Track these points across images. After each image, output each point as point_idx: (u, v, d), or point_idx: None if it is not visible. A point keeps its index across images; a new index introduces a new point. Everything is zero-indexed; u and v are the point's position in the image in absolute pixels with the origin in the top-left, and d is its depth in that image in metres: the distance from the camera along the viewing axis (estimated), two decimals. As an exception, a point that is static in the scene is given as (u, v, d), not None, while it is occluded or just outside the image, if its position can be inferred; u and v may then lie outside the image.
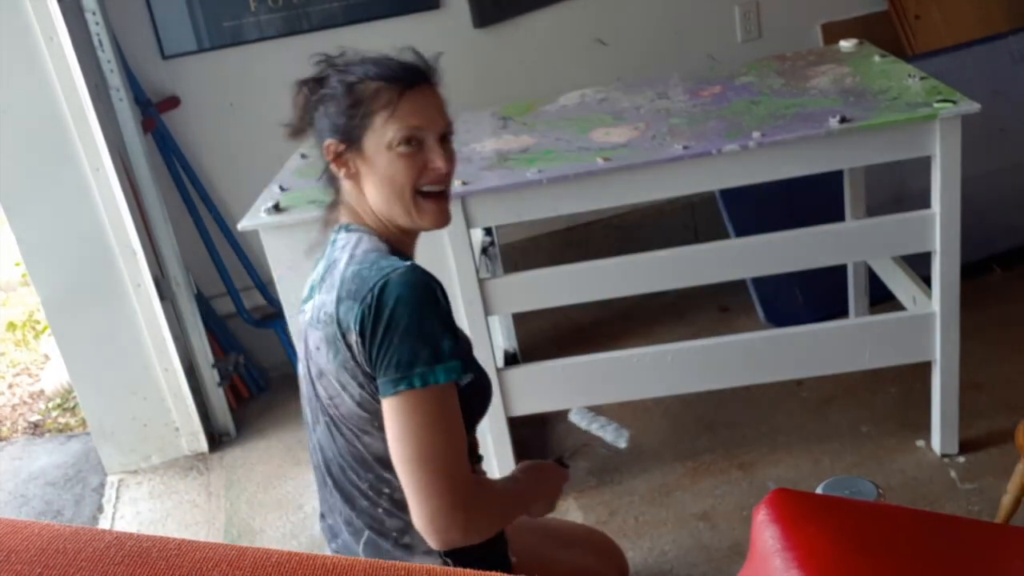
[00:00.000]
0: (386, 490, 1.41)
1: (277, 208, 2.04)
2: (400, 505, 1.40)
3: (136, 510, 2.66)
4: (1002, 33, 3.05)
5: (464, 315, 2.10)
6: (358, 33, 2.88)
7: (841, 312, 2.84)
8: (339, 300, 1.35)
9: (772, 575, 1.11)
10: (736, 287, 2.87)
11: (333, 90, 1.39)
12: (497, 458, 2.26)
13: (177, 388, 2.76)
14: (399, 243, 1.44)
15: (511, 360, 2.90)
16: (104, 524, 2.62)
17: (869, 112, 2.00)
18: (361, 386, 1.35)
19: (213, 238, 3.01)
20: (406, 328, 1.29)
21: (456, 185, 1.93)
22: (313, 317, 1.41)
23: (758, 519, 1.19)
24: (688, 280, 2.25)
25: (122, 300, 2.65)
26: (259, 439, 2.88)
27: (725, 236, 2.87)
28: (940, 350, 2.16)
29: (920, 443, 2.35)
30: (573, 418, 1.97)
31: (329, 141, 1.40)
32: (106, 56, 2.56)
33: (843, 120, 1.96)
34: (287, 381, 3.11)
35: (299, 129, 1.47)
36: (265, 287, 3.08)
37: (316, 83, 1.42)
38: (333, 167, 1.42)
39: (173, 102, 2.89)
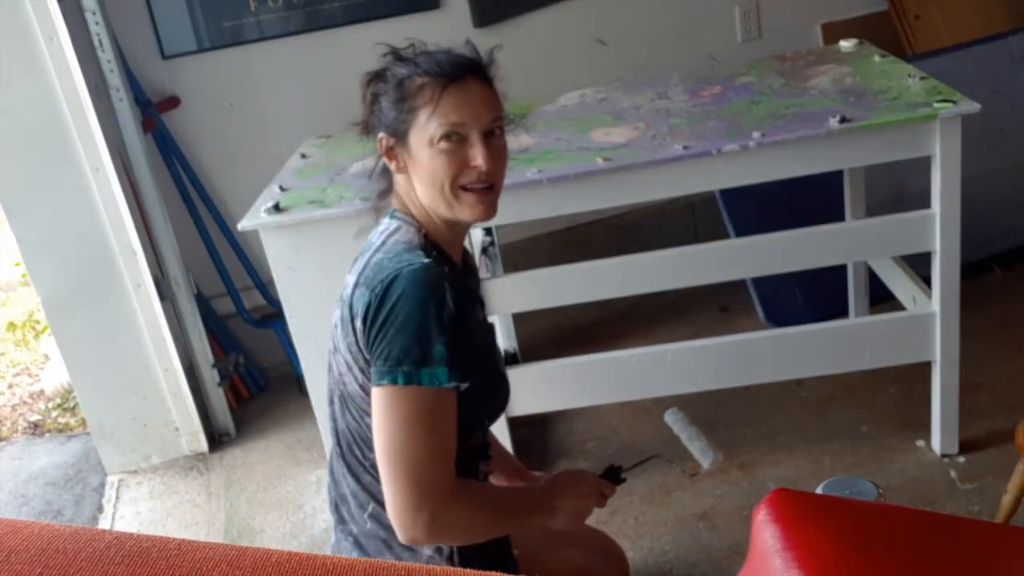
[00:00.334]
0: None
1: (277, 208, 2.04)
2: None
3: (136, 510, 2.66)
4: (1002, 33, 3.05)
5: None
6: (358, 33, 2.88)
7: (841, 312, 2.84)
8: (356, 285, 1.39)
9: (772, 575, 1.11)
10: (736, 287, 2.87)
11: (386, 85, 1.41)
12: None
13: (177, 388, 2.76)
14: (443, 236, 1.46)
15: (511, 360, 2.90)
16: (104, 524, 2.62)
17: (869, 112, 2.00)
18: (362, 371, 1.39)
19: (213, 238, 3.01)
20: (403, 324, 1.31)
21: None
22: (340, 294, 1.45)
23: (758, 519, 1.19)
24: (688, 280, 2.25)
25: (122, 300, 2.65)
26: (259, 439, 2.88)
27: (725, 236, 2.87)
28: (940, 350, 2.16)
29: (920, 443, 2.35)
30: (668, 419, 1.95)
31: (381, 135, 1.42)
32: (106, 56, 2.56)
33: (843, 120, 1.96)
34: (287, 381, 3.11)
35: (368, 124, 1.47)
36: (265, 287, 3.09)
37: (376, 77, 1.44)
38: (385, 160, 1.44)
39: (173, 102, 2.89)
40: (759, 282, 2.94)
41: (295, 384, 3.04)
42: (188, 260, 2.84)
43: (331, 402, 1.51)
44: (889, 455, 2.33)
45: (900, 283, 2.40)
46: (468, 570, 0.66)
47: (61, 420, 3.32)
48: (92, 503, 2.74)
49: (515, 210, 2.07)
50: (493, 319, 2.50)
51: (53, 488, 2.86)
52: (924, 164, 2.05)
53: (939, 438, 2.28)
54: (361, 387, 1.40)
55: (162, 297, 2.70)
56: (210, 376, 2.85)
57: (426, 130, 1.36)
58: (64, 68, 2.43)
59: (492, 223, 2.49)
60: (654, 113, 2.25)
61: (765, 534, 1.16)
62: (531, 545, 1.65)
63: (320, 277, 2.03)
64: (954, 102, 1.96)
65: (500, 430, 2.23)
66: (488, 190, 1.41)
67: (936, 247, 2.08)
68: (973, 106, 1.94)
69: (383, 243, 1.42)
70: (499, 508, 1.47)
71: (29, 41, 2.40)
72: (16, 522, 0.63)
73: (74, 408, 3.33)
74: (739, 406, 2.59)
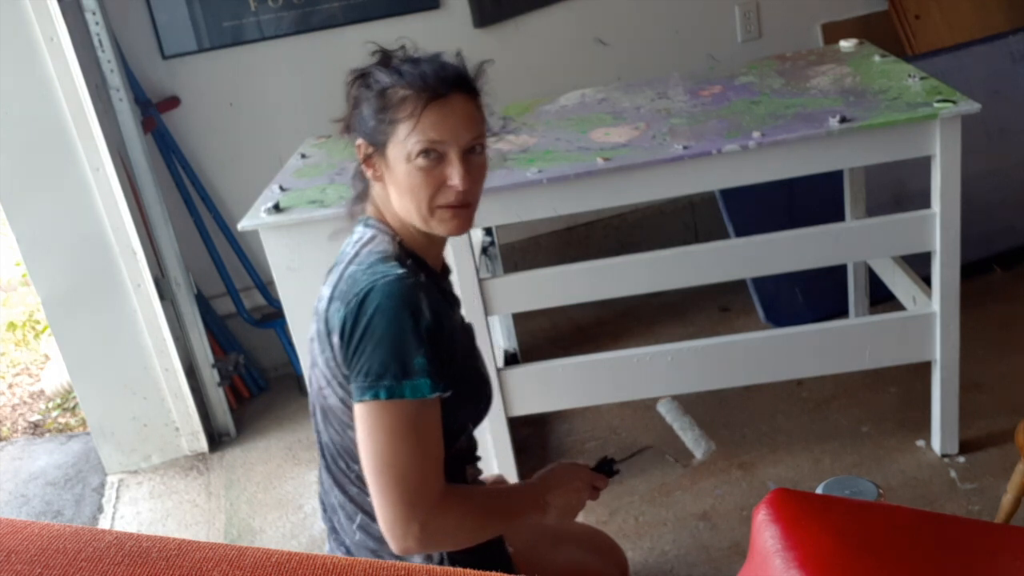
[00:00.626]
0: None
1: (277, 208, 2.04)
2: None
3: (136, 510, 2.66)
4: (1002, 33, 3.05)
5: (464, 315, 2.10)
6: (358, 33, 2.88)
7: (841, 312, 2.84)
8: (331, 299, 1.37)
9: (772, 575, 1.11)
10: (736, 287, 2.87)
11: (369, 91, 1.39)
12: (497, 458, 2.26)
13: (177, 388, 2.76)
14: (419, 246, 1.44)
15: (511, 360, 2.90)
16: (104, 524, 2.62)
17: (869, 112, 2.00)
18: (341, 385, 1.37)
19: (213, 238, 3.01)
20: (380, 338, 1.30)
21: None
22: (315, 307, 1.43)
23: (758, 519, 1.19)
24: (688, 280, 2.25)
25: (122, 300, 2.65)
26: (259, 439, 2.88)
27: (725, 236, 2.87)
28: (940, 350, 2.16)
29: (920, 443, 2.35)
30: (661, 409, 1.94)
31: (360, 141, 1.41)
32: (106, 56, 2.56)
33: (843, 120, 1.96)
34: (287, 381, 3.11)
35: (349, 124, 1.45)
36: (265, 287, 3.09)
37: (361, 78, 1.42)
38: (363, 167, 1.43)
39: (173, 102, 2.89)
40: (759, 282, 2.94)
41: (295, 384, 3.05)
42: (188, 260, 2.84)
43: (313, 415, 1.50)
44: (889, 455, 2.33)
45: (900, 283, 2.40)
46: (468, 570, 0.66)
47: (61, 420, 3.32)
48: (92, 503, 2.74)
49: (515, 210, 2.07)
50: (493, 319, 2.50)
51: (53, 488, 2.86)
52: (924, 164, 2.05)
53: (939, 438, 2.28)
54: (342, 401, 1.38)
55: (162, 297, 2.70)
56: (210, 376, 2.85)
57: (405, 145, 1.34)
58: (64, 68, 2.43)
59: (492, 223, 2.49)
60: (654, 113, 2.25)
61: (765, 534, 1.16)
62: (526, 539, 1.64)
63: (320, 277, 2.03)
64: (954, 102, 1.96)
65: (500, 430, 2.24)
66: (464, 207, 1.40)
67: (936, 247, 2.08)
68: (973, 106, 1.94)
69: (356, 253, 1.40)
70: (490, 510, 1.46)
71: (29, 41, 2.40)
72: (16, 522, 0.63)
73: (74, 408, 3.33)
74: (739, 406, 2.59)
